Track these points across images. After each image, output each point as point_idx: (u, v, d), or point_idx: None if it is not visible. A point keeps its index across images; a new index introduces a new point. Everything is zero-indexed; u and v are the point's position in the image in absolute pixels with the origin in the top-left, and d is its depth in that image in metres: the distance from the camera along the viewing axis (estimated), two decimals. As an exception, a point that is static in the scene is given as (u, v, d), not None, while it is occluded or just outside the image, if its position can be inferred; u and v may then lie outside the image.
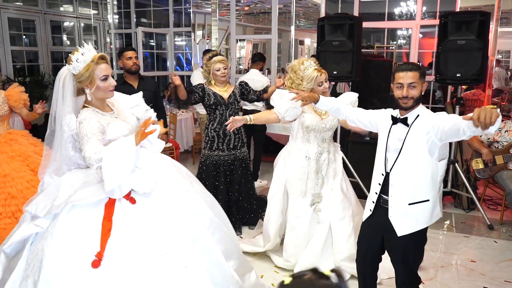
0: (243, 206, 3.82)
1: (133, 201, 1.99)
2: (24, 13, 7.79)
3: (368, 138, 4.42)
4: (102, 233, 1.90)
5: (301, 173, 3.06)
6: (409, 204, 2.11)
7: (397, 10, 9.60)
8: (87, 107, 2.11)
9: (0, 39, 7.43)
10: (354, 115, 2.41)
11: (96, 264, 1.85)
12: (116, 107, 2.29)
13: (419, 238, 2.18)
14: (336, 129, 3.59)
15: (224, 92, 3.68)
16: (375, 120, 2.32)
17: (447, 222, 4.06)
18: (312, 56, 6.28)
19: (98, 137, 1.98)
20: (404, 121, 2.13)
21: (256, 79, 5.15)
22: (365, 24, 5.65)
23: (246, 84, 3.90)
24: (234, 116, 3.63)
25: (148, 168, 2.05)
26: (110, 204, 1.98)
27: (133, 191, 2.01)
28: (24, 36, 8.09)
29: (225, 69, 3.62)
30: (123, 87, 3.86)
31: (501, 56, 13.90)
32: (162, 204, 2.04)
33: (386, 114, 2.26)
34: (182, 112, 6.42)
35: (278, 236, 3.26)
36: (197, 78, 5.56)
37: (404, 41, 11.40)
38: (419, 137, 2.07)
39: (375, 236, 2.28)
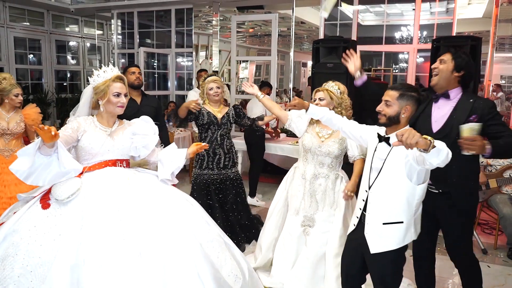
0: (244, 224, 3.83)
1: (45, 206, 2.08)
2: (30, 32, 8.00)
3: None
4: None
5: (297, 191, 3.06)
6: (383, 224, 2.13)
7: (397, 35, 9.74)
8: (92, 116, 2.43)
9: (6, 57, 7.61)
10: (347, 127, 2.44)
11: None
12: (120, 129, 2.44)
13: (395, 258, 2.18)
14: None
15: (218, 113, 3.69)
16: (366, 136, 2.35)
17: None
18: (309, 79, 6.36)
19: (65, 132, 2.21)
20: (387, 141, 2.16)
21: (260, 105, 5.25)
22: (362, 48, 5.74)
23: (241, 109, 3.88)
24: (225, 136, 3.69)
25: (74, 179, 2.14)
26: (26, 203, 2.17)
27: (52, 197, 2.10)
28: (32, 55, 8.29)
29: (218, 88, 3.64)
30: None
31: (504, 82, 13.94)
32: (78, 218, 2.04)
33: (374, 131, 2.30)
34: (180, 131, 6.48)
35: (270, 251, 3.24)
36: (191, 97, 5.65)
37: (406, 65, 11.52)
38: (398, 159, 2.08)
39: (355, 253, 2.29)
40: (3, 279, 1.88)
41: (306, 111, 2.54)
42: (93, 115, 2.46)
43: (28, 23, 7.99)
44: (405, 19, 8.88)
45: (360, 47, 5.45)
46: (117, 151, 2.37)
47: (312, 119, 3.06)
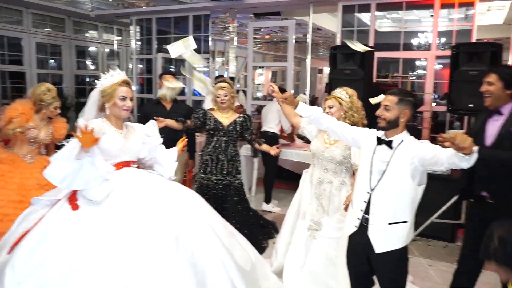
0: (243, 233, 3.78)
1: (75, 207, 2.14)
2: (51, 38, 8.17)
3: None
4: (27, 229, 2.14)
5: (305, 195, 3.13)
6: (389, 224, 2.21)
7: (415, 41, 9.67)
8: (101, 118, 2.48)
9: (28, 62, 7.78)
10: (337, 128, 2.49)
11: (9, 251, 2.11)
12: (130, 131, 2.53)
13: (402, 255, 2.27)
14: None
15: (226, 119, 3.69)
16: (358, 138, 2.42)
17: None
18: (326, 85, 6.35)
19: None
20: (389, 144, 2.23)
21: (275, 111, 5.27)
22: (380, 54, 5.71)
23: (250, 120, 3.84)
24: (230, 143, 3.68)
25: (108, 180, 2.22)
26: (52, 207, 2.21)
27: (84, 200, 2.16)
28: (52, 60, 8.47)
29: (225, 96, 3.62)
30: (156, 106, 4.10)
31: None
32: (111, 223, 2.11)
33: (370, 134, 2.37)
34: (198, 135, 6.51)
35: (285, 256, 3.23)
36: (207, 103, 5.69)
37: (424, 72, 11.42)
38: (403, 161, 2.17)
39: (360, 255, 2.34)
40: (47, 280, 1.94)
41: (295, 108, 2.58)
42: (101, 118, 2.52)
43: (49, 29, 8.16)
44: (423, 25, 8.82)
45: (377, 54, 5.43)
46: (131, 152, 2.48)
47: None
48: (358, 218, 2.31)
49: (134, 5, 7.78)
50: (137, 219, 2.16)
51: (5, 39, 7.38)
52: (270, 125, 5.44)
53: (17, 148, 3.33)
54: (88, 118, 2.45)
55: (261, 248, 3.80)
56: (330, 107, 3.03)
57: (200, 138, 6.46)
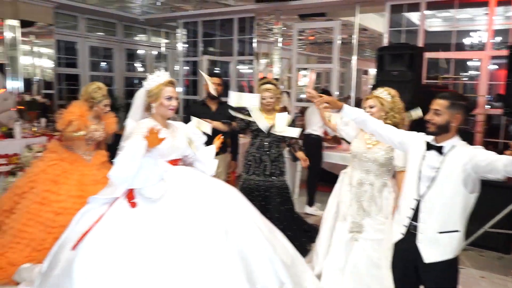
0: (286, 235, 3.76)
1: (133, 204, 2.23)
2: (104, 42, 8.54)
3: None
4: (90, 226, 2.20)
5: (344, 196, 3.06)
6: (439, 233, 2.12)
7: (468, 41, 9.22)
8: (149, 118, 2.53)
9: (82, 65, 8.17)
10: (384, 131, 2.41)
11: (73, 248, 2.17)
12: (174, 129, 2.60)
13: (452, 266, 2.18)
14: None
15: (270, 120, 3.67)
16: (405, 142, 2.33)
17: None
18: (373, 87, 6.21)
19: (141, 136, 2.27)
20: (439, 150, 2.14)
21: (318, 112, 5.20)
22: (430, 55, 5.51)
23: (293, 122, 3.80)
24: (273, 144, 3.67)
25: (161, 179, 2.30)
26: (111, 204, 2.27)
27: (140, 197, 2.24)
28: (104, 63, 8.85)
29: (271, 98, 3.63)
30: (202, 107, 4.19)
31: None
32: (166, 219, 2.21)
33: (419, 138, 2.27)
34: (241, 136, 6.56)
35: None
36: None
37: (477, 73, 10.87)
38: (455, 168, 2.08)
39: (407, 264, 2.25)
40: (113, 276, 2.05)
41: (340, 111, 2.50)
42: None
43: (102, 33, 8.53)
44: (476, 24, 8.38)
45: (427, 54, 5.24)
46: (178, 151, 2.55)
47: None
48: (405, 226, 2.23)
49: (181, 8, 7.98)
50: (190, 214, 2.26)
51: (62, 43, 7.80)
52: (314, 127, 5.39)
53: (76, 147, 3.54)
54: (135, 119, 2.53)
55: (304, 251, 3.76)
56: (371, 107, 2.95)
57: (244, 140, 6.51)
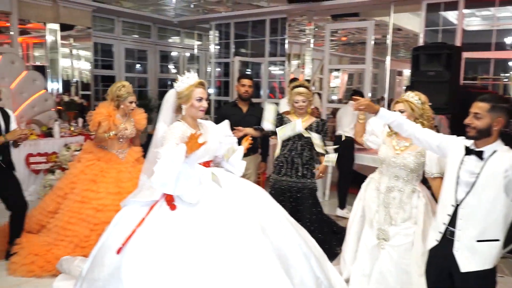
0: (317, 237, 3.73)
1: (173, 207, 2.24)
2: (138, 44, 8.75)
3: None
4: (133, 230, 2.22)
5: (371, 202, 2.99)
6: (477, 241, 2.03)
7: (509, 40, 8.85)
8: (179, 121, 2.54)
9: (118, 67, 8.41)
10: (421, 134, 2.32)
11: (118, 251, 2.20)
12: (205, 130, 2.61)
13: (490, 277, 2.09)
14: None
15: (302, 123, 3.63)
16: (444, 146, 2.24)
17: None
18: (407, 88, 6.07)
19: (176, 141, 2.34)
20: (479, 155, 2.05)
21: (349, 115, 5.14)
22: (468, 55, 5.32)
23: (324, 125, 3.75)
24: (306, 147, 3.64)
25: (199, 183, 2.34)
26: (151, 207, 2.30)
27: (179, 199, 2.26)
28: (139, 65, 9.07)
29: (303, 102, 3.59)
30: (233, 109, 4.23)
31: None
32: (206, 219, 2.24)
33: (458, 142, 2.17)
34: (272, 138, 6.56)
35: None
36: (283, 106, 5.69)
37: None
38: (496, 174, 1.98)
39: (442, 271, 2.17)
40: (159, 278, 2.09)
41: (376, 114, 2.43)
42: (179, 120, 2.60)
43: (137, 36, 8.75)
44: (518, 22, 8.05)
45: (465, 54, 5.07)
46: (211, 152, 2.57)
47: (389, 131, 2.96)
48: (440, 232, 2.16)
49: (213, 10, 8.07)
50: (227, 215, 2.31)
51: (99, 46, 8.05)
52: (345, 129, 5.31)
53: (109, 146, 3.68)
54: (166, 121, 2.56)
55: (333, 254, 3.71)
56: (401, 111, 2.80)
57: (274, 141, 6.50)
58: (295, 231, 2.50)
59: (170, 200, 2.28)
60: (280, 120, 3.70)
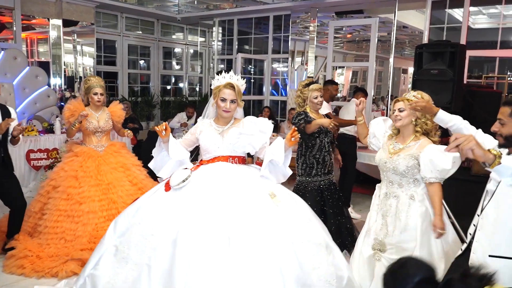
0: (347, 227, 3.74)
1: (167, 188, 2.46)
2: (142, 40, 8.73)
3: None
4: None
5: (372, 210, 2.80)
6: (489, 256, 1.86)
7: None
8: (207, 119, 2.75)
9: (121, 63, 8.40)
10: (480, 139, 2.08)
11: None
12: (234, 127, 2.62)
13: None
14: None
15: (317, 117, 3.61)
16: None
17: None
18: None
19: (186, 136, 2.70)
20: None
21: (352, 112, 5.08)
22: (472, 53, 5.26)
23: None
24: (331, 142, 3.68)
25: (185, 170, 2.50)
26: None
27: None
28: (142, 61, 9.06)
29: (321, 97, 3.61)
30: None
31: None
32: (185, 200, 2.37)
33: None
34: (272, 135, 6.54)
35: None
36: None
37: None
38: None
39: None
40: (129, 241, 2.32)
41: (434, 116, 2.31)
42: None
43: (140, 32, 8.73)
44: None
45: (469, 52, 5.01)
46: (227, 148, 2.56)
47: (391, 133, 2.77)
48: (465, 242, 2.04)
49: (217, 7, 8.04)
50: (199, 207, 2.33)
51: (102, 41, 8.04)
52: (347, 127, 5.26)
53: (87, 142, 3.82)
54: (204, 114, 2.77)
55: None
56: (401, 110, 2.61)
57: (271, 140, 6.47)
58: (287, 245, 2.27)
59: (168, 183, 2.48)
60: (306, 117, 3.55)
